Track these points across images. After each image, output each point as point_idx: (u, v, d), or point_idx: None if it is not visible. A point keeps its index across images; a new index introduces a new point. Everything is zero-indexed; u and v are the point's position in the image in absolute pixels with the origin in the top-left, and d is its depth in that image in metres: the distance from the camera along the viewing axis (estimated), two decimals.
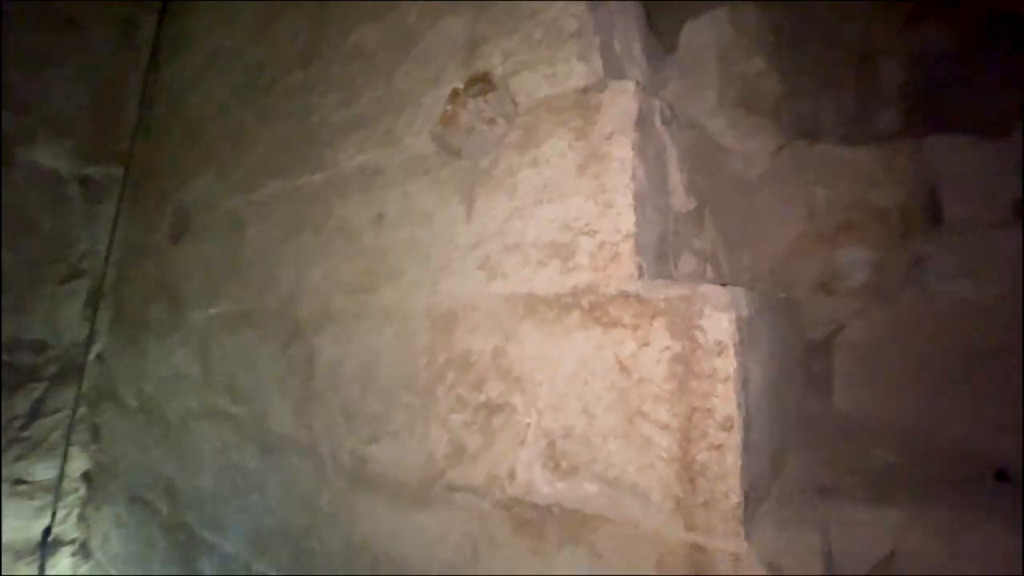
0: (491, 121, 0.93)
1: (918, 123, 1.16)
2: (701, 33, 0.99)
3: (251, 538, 1.31)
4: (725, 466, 0.62)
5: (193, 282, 1.70)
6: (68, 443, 2.13)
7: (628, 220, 0.72)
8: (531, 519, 0.77)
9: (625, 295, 0.71)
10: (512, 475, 0.81)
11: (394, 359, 1.01)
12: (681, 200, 0.89)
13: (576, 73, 0.81)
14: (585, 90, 0.80)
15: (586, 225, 0.77)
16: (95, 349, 2.23)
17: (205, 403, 1.54)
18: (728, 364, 0.62)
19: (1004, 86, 1.05)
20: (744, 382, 0.63)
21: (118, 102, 2.23)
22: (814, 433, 0.98)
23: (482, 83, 0.95)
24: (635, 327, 0.70)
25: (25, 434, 2.14)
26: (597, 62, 0.81)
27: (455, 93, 0.98)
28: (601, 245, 0.75)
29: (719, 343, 0.63)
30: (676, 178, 0.88)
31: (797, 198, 1.05)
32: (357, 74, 1.20)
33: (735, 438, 0.61)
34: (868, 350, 1.06)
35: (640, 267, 0.71)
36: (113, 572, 1.97)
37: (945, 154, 1.04)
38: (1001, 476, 0.85)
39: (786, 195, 1.06)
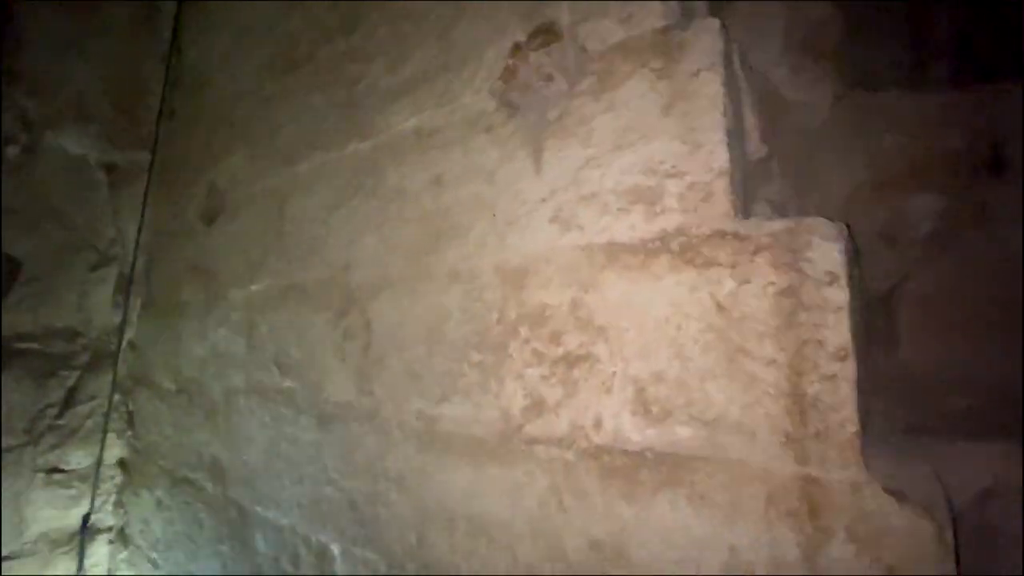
0: (556, 71, 0.91)
1: (969, 73, 1.14)
2: None
3: (309, 510, 1.31)
4: (840, 396, 0.61)
5: (231, 261, 1.69)
6: (106, 430, 2.14)
7: (721, 157, 0.71)
8: (621, 465, 0.77)
9: (721, 234, 0.70)
10: (598, 424, 0.81)
11: (462, 317, 1.00)
12: (755, 145, 0.88)
13: (654, 13, 0.80)
14: (665, 30, 0.78)
15: (673, 167, 0.75)
16: (127, 335, 2.23)
17: (251, 379, 1.54)
18: (841, 294, 0.61)
19: None
20: (853, 312, 0.62)
21: (141, 86, 2.22)
22: (885, 385, 0.98)
23: (545, 34, 0.93)
24: (733, 265, 0.69)
25: (60, 422, 2.15)
26: (675, 3, 0.79)
27: (516, 47, 0.96)
28: (691, 186, 0.74)
29: (830, 273, 0.62)
30: (751, 122, 0.86)
31: (860, 147, 1.04)
32: (408, 35, 1.18)
33: (849, 367, 0.61)
34: (935, 300, 1.05)
35: (735, 205, 0.70)
36: (154, 556, 1.99)
37: (1005, 102, 1.02)
38: None
39: (849, 144, 1.04)
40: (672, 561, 0.72)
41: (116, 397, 2.17)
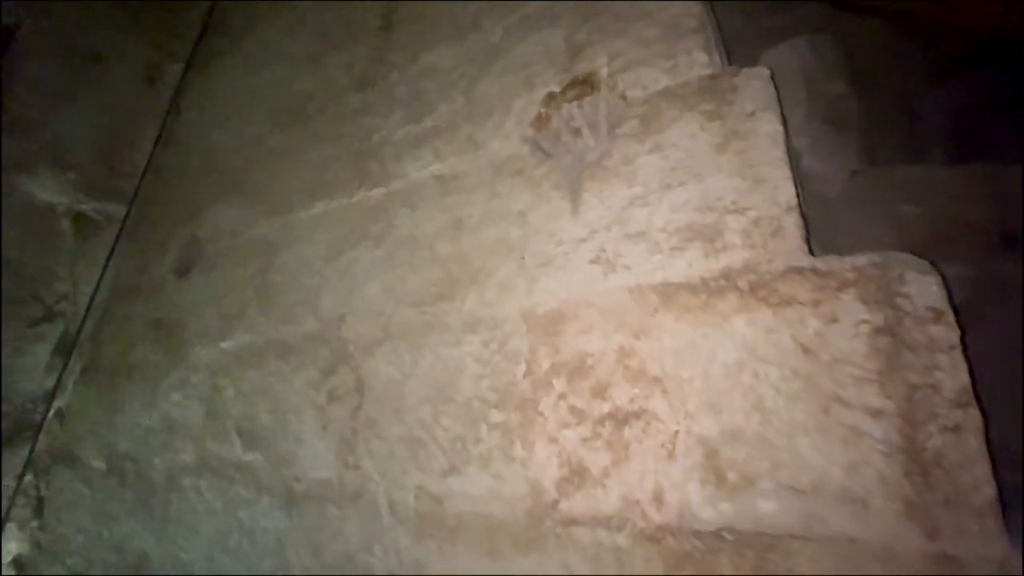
0: (588, 124, 0.90)
1: (958, 158, 1.22)
2: (781, 60, 1.03)
3: None
4: (968, 451, 0.51)
5: (202, 316, 1.52)
6: (5, 520, 1.76)
7: (788, 192, 0.67)
8: (691, 550, 0.63)
9: (798, 270, 0.64)
10: (659, 498, 0.67)
11: (480, 371, 0.87)
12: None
13: (699, 63, 0.80)
14: (714, 76, 0.78)
15: (733, 203, 0.71)
16: (56, 404, 1.93)
17: (205, 454, 1.30)
18: (951, 331, 0.54)
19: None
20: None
21: (131, 140, 2.15)
22: None
23: (582, 84, 0.93)
24: (816, 303, 0.62)
25: None
26: (717, 53, 0.81)
27: (551, 96, 0.96)
28: (756, 221, 0.69)
29: (933, 309, 0.56)
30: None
31: (881, 214, 1.05)
32: (430, 91, 1.18)
33: (975, 416, 0.52)
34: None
35: (807, 240, 0.65)
36: None
37: (1009, 180, 1.08)
38: None
39: (869, 212, 1.06)
40: None
41: (27, 478, 1.81)
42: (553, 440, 0.77)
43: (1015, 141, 1.17)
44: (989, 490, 0.50)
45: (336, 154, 1.35)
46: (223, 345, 1.41)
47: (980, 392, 0.85)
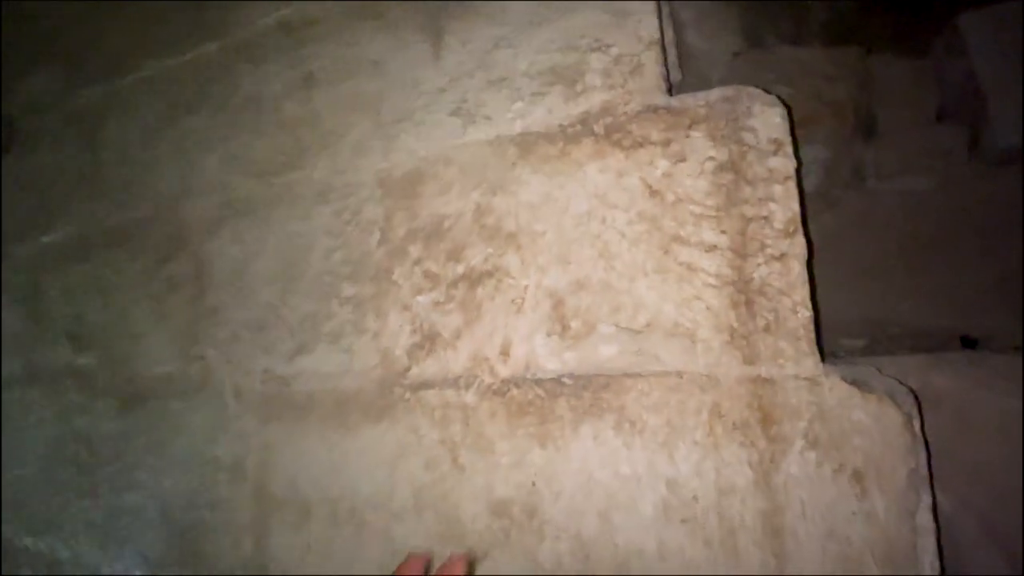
0: None
1: (835, 39, 1.24)
2: None
3: (103, 531, 0.95)
4: (791, 277, 0.52)
5: (18, 210, 1.26)
6: None
7: (651, 26, 0.62)
8: (534, 399, 0.61)
9: (653, 109, 0.60)
10: (506, 352, 0.64)
11: (332, 244, 0.78)
12: (672, 68, 0.81)
13: None
14: None
15: (597, 40, 0.64)
16: None
17: (31, 364, 1.12)
18: (787, 162, 0.53)
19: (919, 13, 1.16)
20: (800, 184, 0.54)
21: None
22: None
23: None
24: (666, 143, 0.58)
25: None
26: None
27: None
28: (618, 59, 0.63)
29: (774, 141, 0.54)
30: (669, 37, 0.80)
31: None
32: None
33: (799, 244, 0.52)
34: (821, 254, 1.07)
35: (667, 78, 0.61)
36: None
37: (878, 68, 1.11)
38: (966, 342, 0.87)
39: None
40: (596, 512, 0.57)
41: None
42: (406, 308, 0.71)
43: (890, 29, 1.20)
44: (805, 312, 0.51)
45: (167, 3, 1.10)
46: (45, 240, 1.18)
47: (822, 265, 0.90)
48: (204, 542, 0.82)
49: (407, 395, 0.69)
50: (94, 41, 1.22)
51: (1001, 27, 0.99)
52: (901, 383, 0.49)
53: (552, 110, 0.65)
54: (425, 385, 0.68)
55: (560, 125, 0.65)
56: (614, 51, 0.63)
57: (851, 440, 0.48)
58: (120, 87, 1.12)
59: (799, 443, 0.49)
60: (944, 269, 0.99)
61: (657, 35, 0.61)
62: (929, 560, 0.45)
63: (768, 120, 0.54)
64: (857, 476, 0.47)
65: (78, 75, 1.23)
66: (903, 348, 0.93)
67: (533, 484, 0.60)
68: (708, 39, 1.06)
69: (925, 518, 0.46)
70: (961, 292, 0.96)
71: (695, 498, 0.53)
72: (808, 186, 1.11)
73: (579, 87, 0.64)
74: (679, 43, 0.96)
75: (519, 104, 0.68)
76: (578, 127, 0.63)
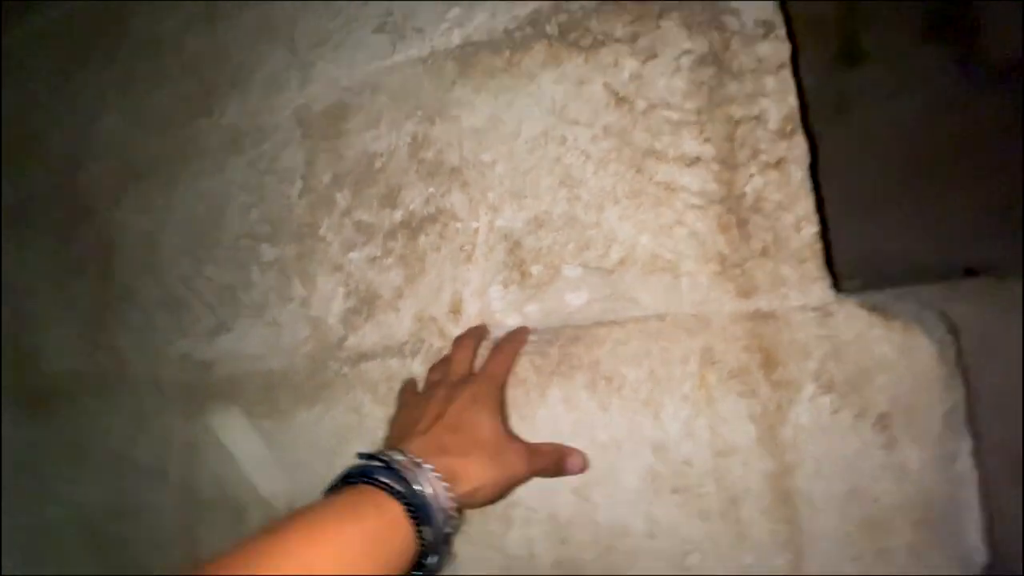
0: None
1: None
2: None
3: (24, 550, 0.83)
4: (791, 187, 0.42)
5: None
6: None
7: None
8: None
9: None
10: (456, 309, 0.54)
11: (248, 200, 0.66)
12: None
13: None
14: None
15: None
16: None
17: None
18: (780, 46, 0.43)
19: None
20: (797, 73, 0.44)
21: None
22: None
23: None
24: (633, 38, 0.48)
25: None
26: None
27: None
28: None
29: (764, 22, 0.44)
30: None
31: None
32: None
33: (799, 144, 0.42)
34: None
35: None
36: None
37: None
38: (969, 272, 0.80)
39: None
40: (571, 488, 0.47)
41: None
42: (337, 268, 0.60)
43: None
44: (811, 228, 0.42)
45: None
46: None
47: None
48: (131, 555, 0.71)
49: (344, 370, 0.58)
50: None
51: None
52: (929, 307, 0.41)
53: (495, 12, 0.54)
54: (365, 356, 0.57)
55: (506, 30, 0.53)
56: None
57: (873, 379, 0.39)
58: (7, 42, 0.96)
59: (810, 387, 0.40)
60: (940, 198, 0.92)
61: None
62: (973, 516, 0.37)
63: None
64: (883, 422, 0.39)
65: None
66: (904, 285, 0.85)
67: None
68: None
69: (967, 465, 0.38)
70: (960, 221, 0.89)
71: (687, 463, 0.44)
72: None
73: None
74: None
75: (455, 10, 0.56)
76: (527, 30, 0.52)
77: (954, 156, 0.94)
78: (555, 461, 0.44)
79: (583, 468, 0.44)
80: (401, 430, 0.44)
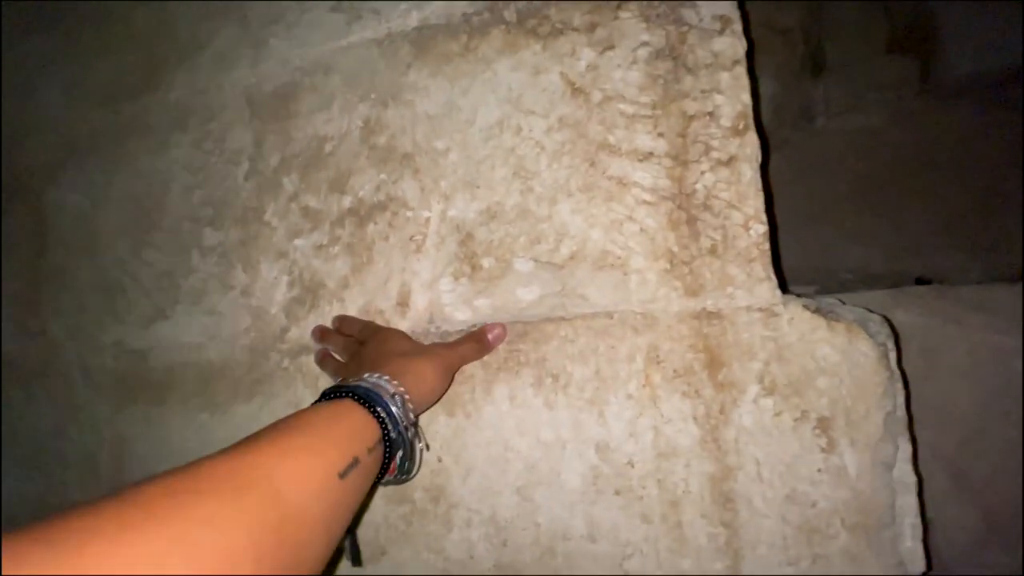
0: None
1: None
2: None
3: None
4: (741, 185, 0.41)
5: None
6: None
7: None
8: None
9: None
10: (404, 302, 0.51)
11: (192, 181, 0.63)
12: None
13: None
14: None
15: None
16: None
17: None
18: (735, 42, 0.42)
19: None
20: (752, 72, 0.43)
21: None
22: None
23: None
24: (591, 27, 0.46)
25: None
26: None
27: None
28: None
29: (721, 17, 0.43)
30: None
31: None
32: None
33: (751, 142, 0.42)
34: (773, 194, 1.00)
35: None
36: None
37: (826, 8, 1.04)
38: (920, 281, 0.82)
39: None
40: (513, 488, 0.46)
41: None
42: (282, 254, 0.57)
43: None
44: (760, 227, 0.41)
45: None
46: None
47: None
48: None
49: (285, 363, 0.55)
50: None
51: None
52: (872, 311, 0.40)
53: None
54: (307, 349, 0.54)
55: (464, 14, 0.51)
56: None
57: (815, 381, 0.39)
58: None
59: (753, 389, 0.40)
60: (896, 209, 0.94)
61: None
62: (910, 522, 0.37)
63: None
64: (823, 425, 0.38)
65: None
66: (854, 291, 0.87)
67: (439, 460, 0.48)
68: None
69: (905, 471, 0.37)
70: (913, 232, 0.91)
71: (630, 464, 0.42)
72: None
73: None
74: None
75: None
76: (485, 15, 0.50)
77: (911, 168, 0.96)
78: (477, 339, 0.46)
79: (503, 334, 0.47)
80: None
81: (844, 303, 0.44)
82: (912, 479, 0.37)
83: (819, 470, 0.38)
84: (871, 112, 0.99)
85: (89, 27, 0.74)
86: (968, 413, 0.55)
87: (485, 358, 0.48)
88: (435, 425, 0.49)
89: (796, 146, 1.02)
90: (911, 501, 0.37)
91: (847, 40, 1.02)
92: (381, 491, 0.50)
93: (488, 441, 0.47)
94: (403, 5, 0.54)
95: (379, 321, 0.52)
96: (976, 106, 0.91)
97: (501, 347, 0.47)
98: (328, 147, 0.56)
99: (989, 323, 0.56)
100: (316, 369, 0.54)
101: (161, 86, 0.67)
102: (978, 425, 0.55)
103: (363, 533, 0.49)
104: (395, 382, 0.37)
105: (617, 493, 0.43)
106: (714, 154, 0.42)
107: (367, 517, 0.50)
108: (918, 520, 0.37)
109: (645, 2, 0.45)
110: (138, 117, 0.68)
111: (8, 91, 0.81)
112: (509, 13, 0.50)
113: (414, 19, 0.54)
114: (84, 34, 0.74)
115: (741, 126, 0.42)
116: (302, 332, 0.55)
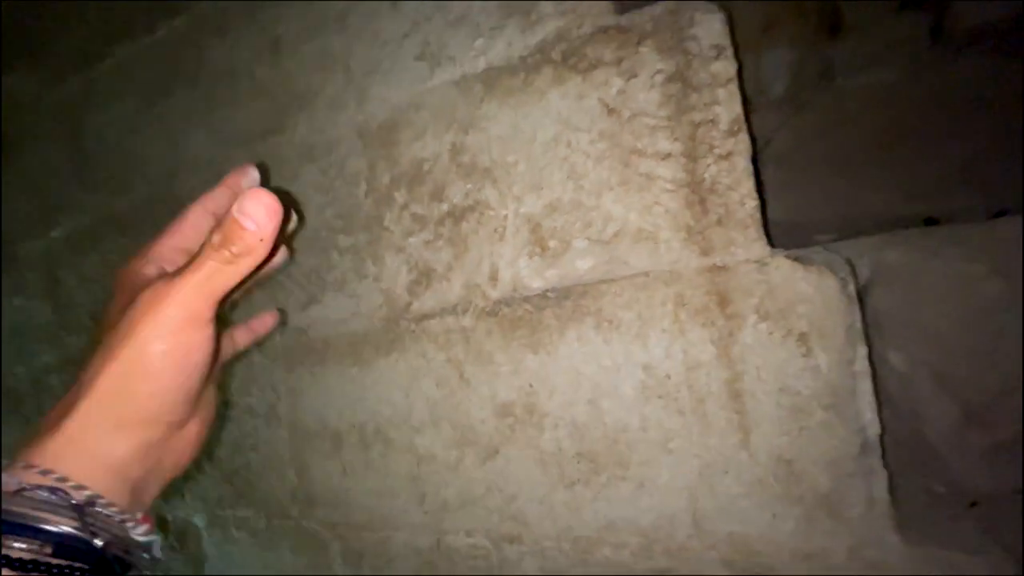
0: None
1: None
2: None
3: None
4: (737, 172, 0.57)
5: (19, 210, 1.31)
6: None
7: None
8: (523, 314, 0.68)
9: (604, 29, 0.63)
10: (494, 277, 0.71)
11: (323, 200, 0.84)
12: None
13: None
14: None
15: None
16: None
17: (65, 349, 1.21)
18: (728, 65, 0.57)
19: None
20: (742, 85, 0.58)
21: None
22: None
23: None
24: (619, 61, 0.62)
25: None
26: None
27: None
28: None
29: (716, 47, 0.58)
30: None
31: None
32: None
33: (743, 141, 0.57)
34: (794, 157, 1.12)
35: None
36: None
37: None
38: (929, 222, 0.93)
39: None
40: (585, 400, 0.65)
41: None
42: (400, 250, 0.77)
43: None
44: (751, 202, 0.57)
45: None
46: (54, 235, 1.24)
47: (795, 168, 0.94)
48: (254, 480, 0.93)
49: (412, 327, 0.76)
50: (60, 34, 1.23)
51: None
52: (837, 255, 0.56)
53: (511, 43, 0.69)
54: (427, 316, 0.75)
55: (520, 56, 0.68)
56: None
57: (796, 308, 0.55)
58: (94, 77, 1.15)
59: (752, 317, 0.57)
60: (912, 157, 1.03)
61: None
62: (867, 399, 0.53)
63: (709, 27, 0.58)
64: (803, 338, 0.55)
65: (51, 72, 1.24)
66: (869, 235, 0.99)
67: (531, 386, 0.68)
68: None
69: (862, 365, 0.54)
70: (928, 177, 1.01)
71: (668, 376, 0.61)
72: (778, 90, 1.14)
73: (533, 16, 0.67)
74: None
75: (480, 40, 0.71)
76: (537, 56, 0.67)
77: (926, 118, 1.06)
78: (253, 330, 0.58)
79: (277, 319, 0.60)
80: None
81: (824, 248, 0.60)
82: (867, 370, 0.53)
83: (801, 369, 0.55)
84: (887, 68, 1.08)
85: (222, 85, 0.95)
86: (945, 327, 0.69)
87: (558, 311, 0.66)
88: (525, 362, 0.68)
89: (817, 106, 1.12)
90: (867, 385, 0.53)
91: (861, 1, 1.09)
92: (491, 406, 0.71)
93: (565, 369, 0.66)
94: (473, 52, 0.71)
95: (476, 292, 0.72)
96: (985, 56, 0.98)
97: (568, 303, 0.66)
98: (426, 166, 0.75)
99: (963, 254, 0.69)
100: (435, 329, 0.75)
101: (287, 128, 0.87)
102: (954, 336, 0.69)
103: (482, 439, 0.71)
104: (70, 481, 0.23)
105: (660, 397, 0.61)
106: (716, 151, 0.58)
107: (480, 427, 0.71)
108: (873, 397, 0.53)
109: (658, 38, 0.60)
110: (272, 152, 0.89)
111: (157, 142, 1.04)
112: (555, 54, 0.66)
113: (482, 63, 0.71)
114: (218, 89, 0.95)
115: (735, 128, 0.57)
116: (421, 304, 0.76)
